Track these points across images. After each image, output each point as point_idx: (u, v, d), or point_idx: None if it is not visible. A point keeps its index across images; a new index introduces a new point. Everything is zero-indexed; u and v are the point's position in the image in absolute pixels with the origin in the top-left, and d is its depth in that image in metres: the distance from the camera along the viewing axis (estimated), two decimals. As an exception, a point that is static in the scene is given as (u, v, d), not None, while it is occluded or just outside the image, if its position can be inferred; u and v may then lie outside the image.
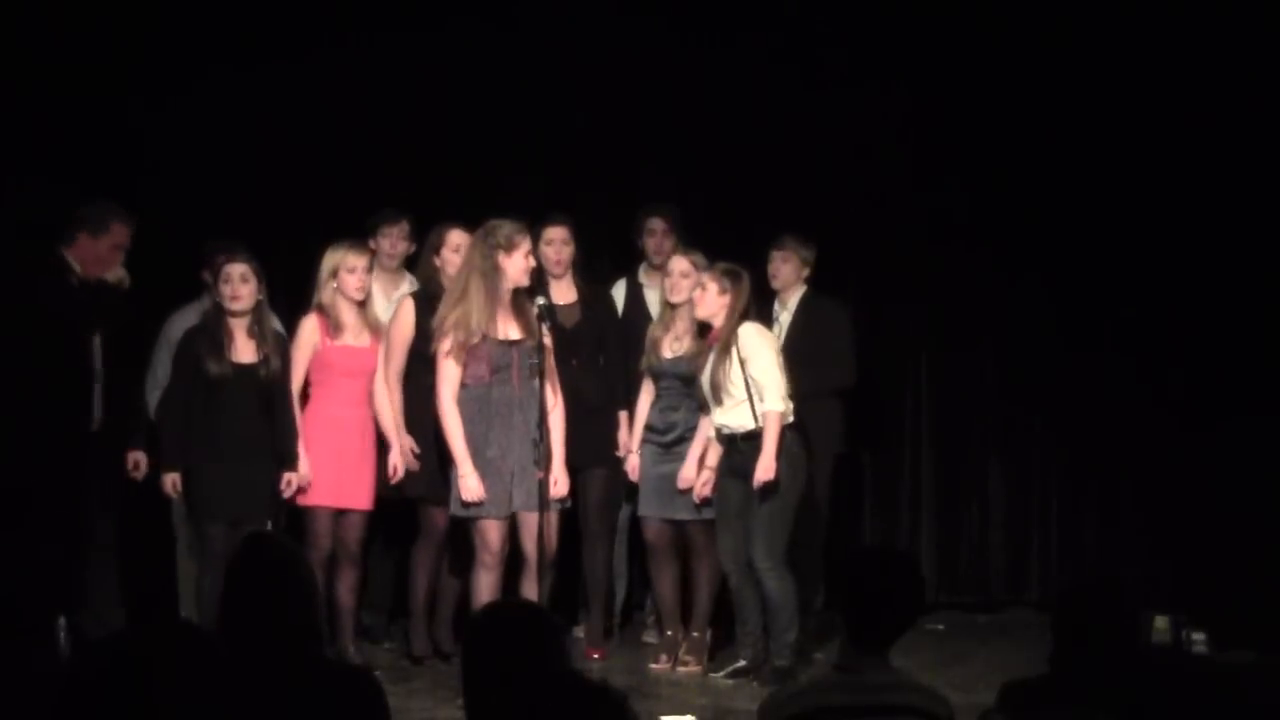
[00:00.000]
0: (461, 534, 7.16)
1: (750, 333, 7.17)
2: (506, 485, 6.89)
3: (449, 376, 6.91)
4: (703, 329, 7.35)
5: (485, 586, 6.90)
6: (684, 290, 7.44)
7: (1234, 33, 8.23)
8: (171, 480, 7.05)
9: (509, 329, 6.94)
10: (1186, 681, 3.97)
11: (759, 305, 7.44)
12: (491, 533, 6.91)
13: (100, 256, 7.16)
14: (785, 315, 7.91)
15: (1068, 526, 8.99)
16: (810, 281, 8.00)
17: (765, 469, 7.05)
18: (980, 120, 8.68)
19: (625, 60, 8.54)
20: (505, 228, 6.94)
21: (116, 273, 7.22)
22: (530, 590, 6.83)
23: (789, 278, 7.92)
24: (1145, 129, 8.52)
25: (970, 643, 8.23)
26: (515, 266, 6.93)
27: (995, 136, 8.68)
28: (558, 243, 7.72)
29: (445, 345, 6.89)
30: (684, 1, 8.57)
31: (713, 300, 7.23)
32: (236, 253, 7.16)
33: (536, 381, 6.90)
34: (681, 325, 7.49)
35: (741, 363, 7.10)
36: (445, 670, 7.22)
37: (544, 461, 6.81)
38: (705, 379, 7.22)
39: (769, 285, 7.91)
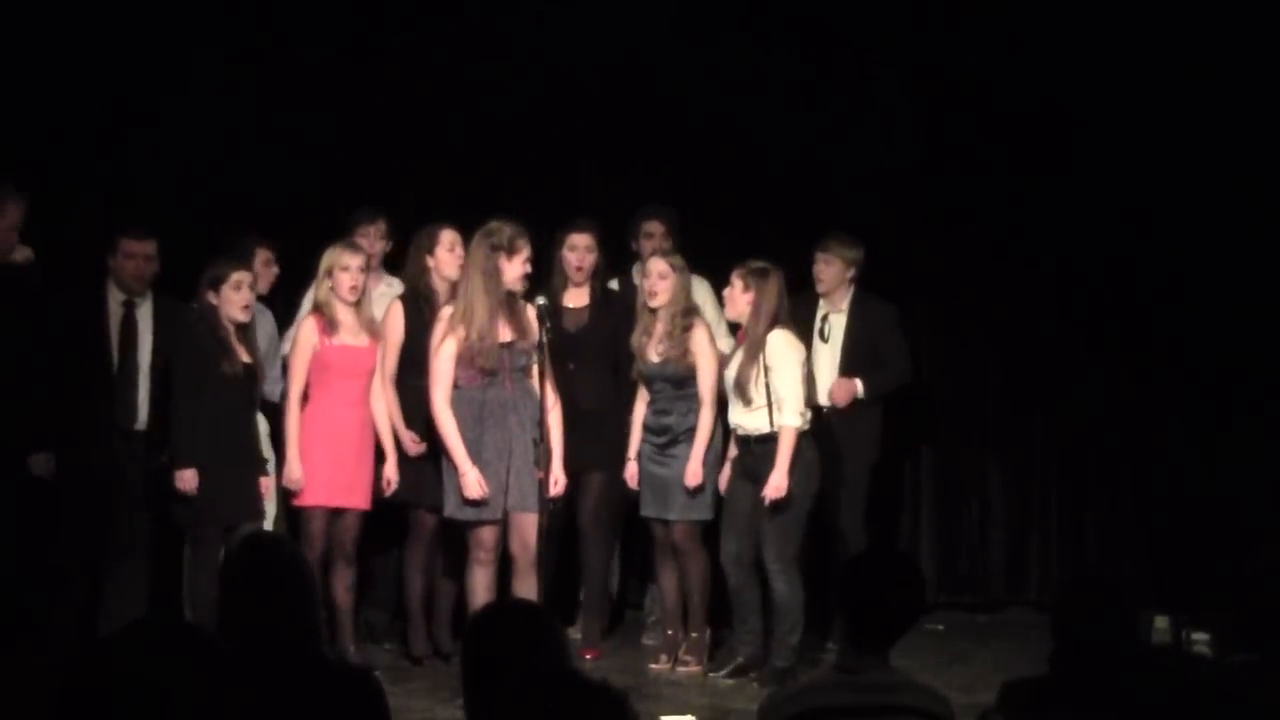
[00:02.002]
0: (454, 533, 7.17)
1: (779, 343, 7.09)
2: (501, 487, 6.89)
3: (443, 377, 6.90)
4: (733, 327, 7.33)
5: (481, 584, 6.92)
6: (662, 293, 7.36)
7: (1243, 22, 8.23)
8: (190, 477, 7.00)
9: (503, 331, 6.94)
10: (1186, 681, 3.97)
11: (797, 307, 7.40)
12: (486, 532, 6.93)
13: None
14: (838, 317, 7.79)
15: (1068, 526, 8.98)
16: (858, 281, 7.87)
17: (775, 487, 7.04)
18: (982, 116, 8.66)
19: (623, 61, 8.53)
20: (508, 230, 6.92)
21: (22, 251, 6.84)
22: (524, 590, 6.82)
23: (833, 281, 7.74)
24: (1150, 125, 8.50)
25: (970, 643, 8.23)
26: (514, 271, 6.92)
27: (996, 133, 8.67)
28: (581, 249, 7.64)
29: (447, 345, 6.88)
30: (682, 2, 8.57)
31: (738, 299, 7.16)
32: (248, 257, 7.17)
33: (531, 382, 6.90)
34: (661, 328, 7.39)
35: (766, 370, 7.06)
36: (445, 670, 7.22)
37: (544, 461, 6.80)
38: (730, 376, 7.16)
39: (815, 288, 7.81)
